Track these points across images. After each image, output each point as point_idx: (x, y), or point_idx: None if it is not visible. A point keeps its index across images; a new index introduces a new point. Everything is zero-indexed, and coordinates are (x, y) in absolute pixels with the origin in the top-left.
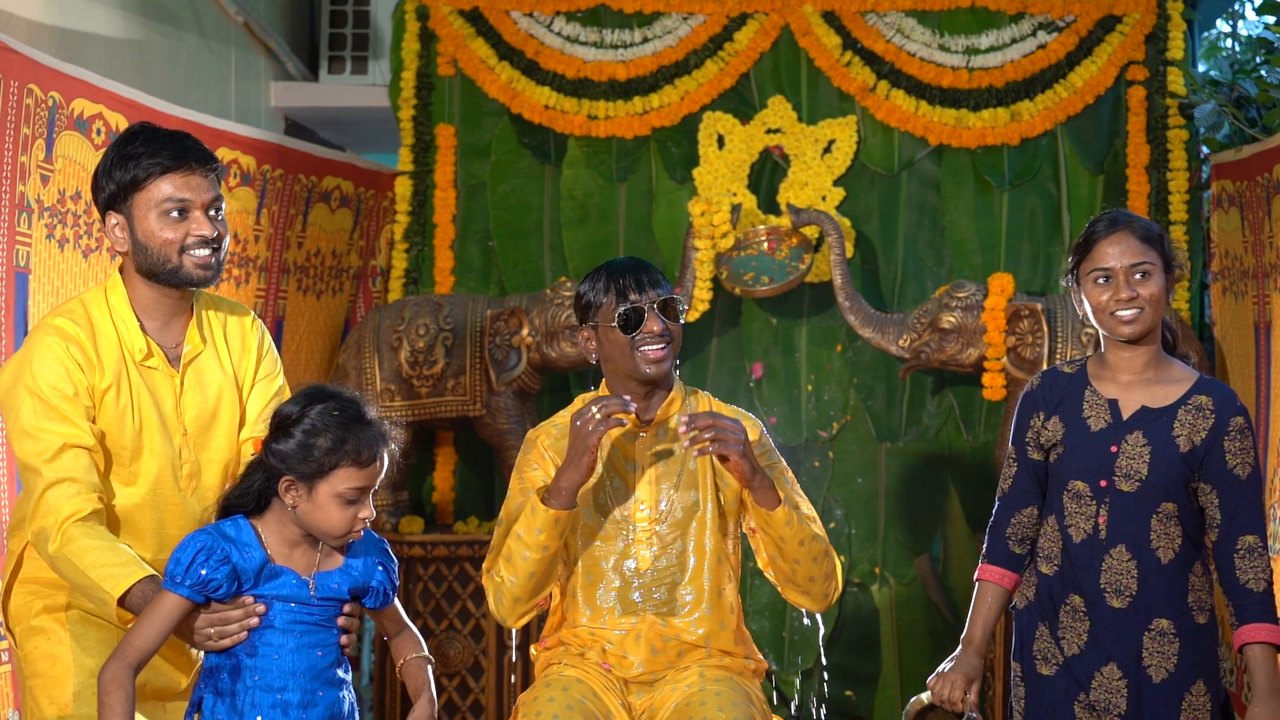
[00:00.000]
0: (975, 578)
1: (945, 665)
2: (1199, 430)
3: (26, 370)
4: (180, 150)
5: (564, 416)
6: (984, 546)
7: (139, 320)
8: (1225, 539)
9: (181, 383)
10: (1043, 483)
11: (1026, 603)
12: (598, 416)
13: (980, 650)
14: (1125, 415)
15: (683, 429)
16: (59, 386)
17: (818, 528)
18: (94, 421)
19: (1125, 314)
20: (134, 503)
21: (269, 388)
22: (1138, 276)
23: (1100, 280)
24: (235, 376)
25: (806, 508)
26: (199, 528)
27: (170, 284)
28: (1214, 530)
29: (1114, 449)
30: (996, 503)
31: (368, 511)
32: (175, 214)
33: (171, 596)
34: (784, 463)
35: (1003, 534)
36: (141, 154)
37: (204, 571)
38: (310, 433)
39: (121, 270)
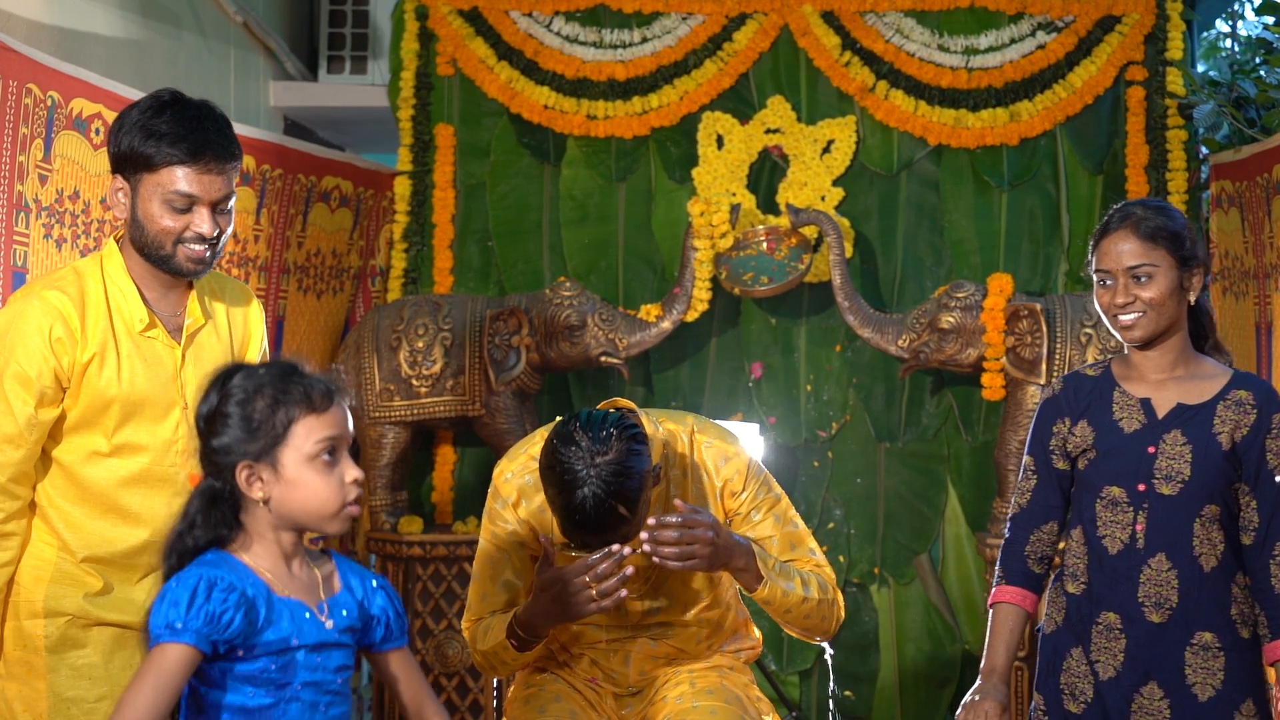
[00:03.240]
0: (990, 602)
1: (971, 696)
2: (1241, 426)
3: (7, 339)
4: (201, 143)
5: (531, 460)
6: (998, 568)
7: (139, 290)
8: (1262, 544)
9: (183, 355)
10: (1066, 494)
11: (1055, 627)
12: (601, 602)
13: (1006, 678)
14: (1160, 414)
15: (645, 535)
16: (23, 363)
17: (813, 572)
18: (53, 403)
19: (1124, 319)
20: (121, 478)
21: None
22: (1139, 280)
23: (1103, 281)
24: (233, 349)
25: (806, 543)
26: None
27: (159, 268)
28: (1249, 534)
29: (1152, 450)
30: (1009, 521)
31: (355, 471)
32: (179, 207)
33: (172, 650)
34: (777, 491)
35: (1021, 553)
36: (164, 135)
37: (210, 608)
38: (244, 403)
39: (119, 239)
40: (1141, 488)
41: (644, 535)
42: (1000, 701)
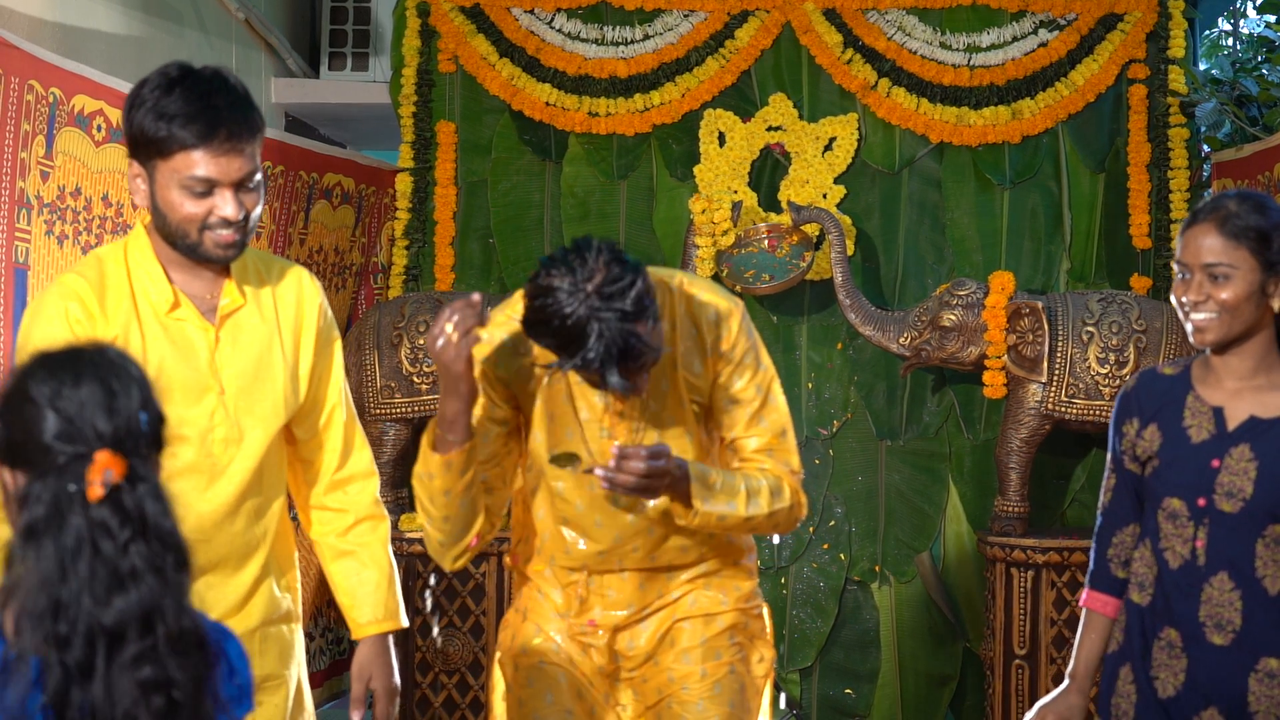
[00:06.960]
0: (1080, 604)
1: (1042, 702)
2: None
3: (29, 331)
4: (214, 122)
5: (510, 321)
6: (1089, 567)
7: (165, 271)
8: None
9: (217, 337)
10: (1143, 497)
11: (1117, 646)
12: (454, 338)
13: (1081, 688)
14: (1231, 426)
15: (611, 463)
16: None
17: (766, 475)
18: None
19: (1196, 318)
20: (167, 473)
21: (335, 347)
22: (1215, 279)
23: (1181, 275)
24: (280, 332)
25: (777, 423)
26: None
27: (188, 256)
28: None
29: (1216, 463)
30: (1099, 516)
31: None
32: (199, 191)
33: None
34: (765, 361)
35: (1104, 555)
36: (174, 116)
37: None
38: (48, 403)
39: (148, 224)
40: (1201, 502)
41: (610, 463)
42: (1061, 713)
